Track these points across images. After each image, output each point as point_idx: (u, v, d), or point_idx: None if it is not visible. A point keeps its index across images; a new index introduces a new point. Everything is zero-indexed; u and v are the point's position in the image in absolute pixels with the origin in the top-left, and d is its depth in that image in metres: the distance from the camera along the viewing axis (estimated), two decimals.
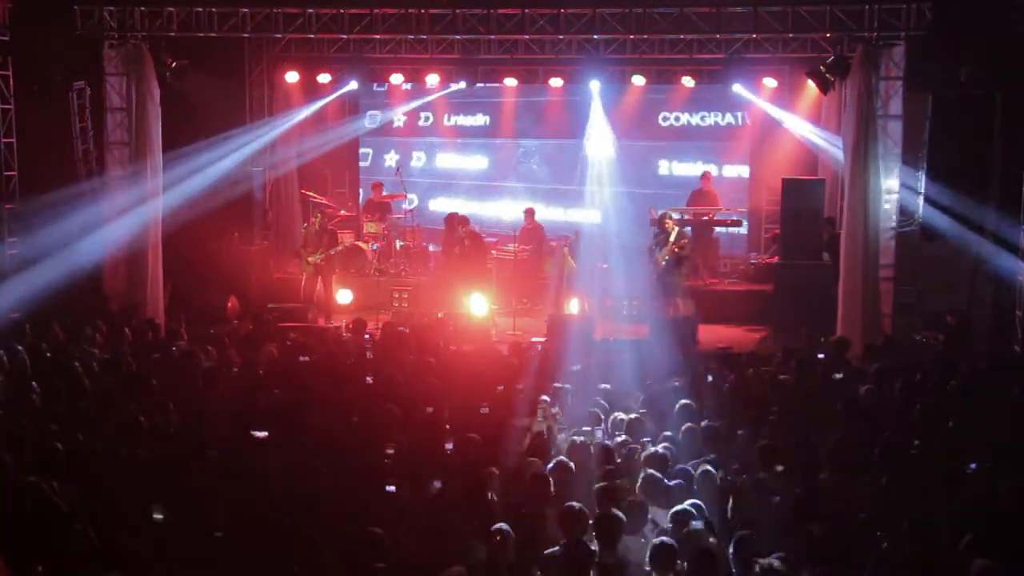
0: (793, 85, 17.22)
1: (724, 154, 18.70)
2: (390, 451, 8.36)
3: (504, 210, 19.31)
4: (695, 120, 18.84)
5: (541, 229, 17.57)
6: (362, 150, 20.24)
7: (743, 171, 18.66)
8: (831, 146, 15.90)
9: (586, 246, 16.43)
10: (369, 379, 10.57)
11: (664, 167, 19.05)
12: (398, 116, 19.92)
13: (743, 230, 18.33)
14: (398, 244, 17.82)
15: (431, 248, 18.40)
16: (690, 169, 18.60)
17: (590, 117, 18.57)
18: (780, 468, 7.94)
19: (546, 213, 18.43)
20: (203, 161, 15.38)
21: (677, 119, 18.88)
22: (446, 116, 19.87)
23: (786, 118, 17.36)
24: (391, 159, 19.52)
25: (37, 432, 8.24)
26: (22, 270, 14.04)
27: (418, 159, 20.21)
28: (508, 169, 19.84)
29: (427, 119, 20.01)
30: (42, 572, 6.02)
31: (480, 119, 19.86)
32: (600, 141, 18.56)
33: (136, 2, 14.14)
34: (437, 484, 7.54)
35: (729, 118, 18.68)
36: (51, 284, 13.06)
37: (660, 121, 18.89)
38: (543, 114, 19.26)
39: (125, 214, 14.05)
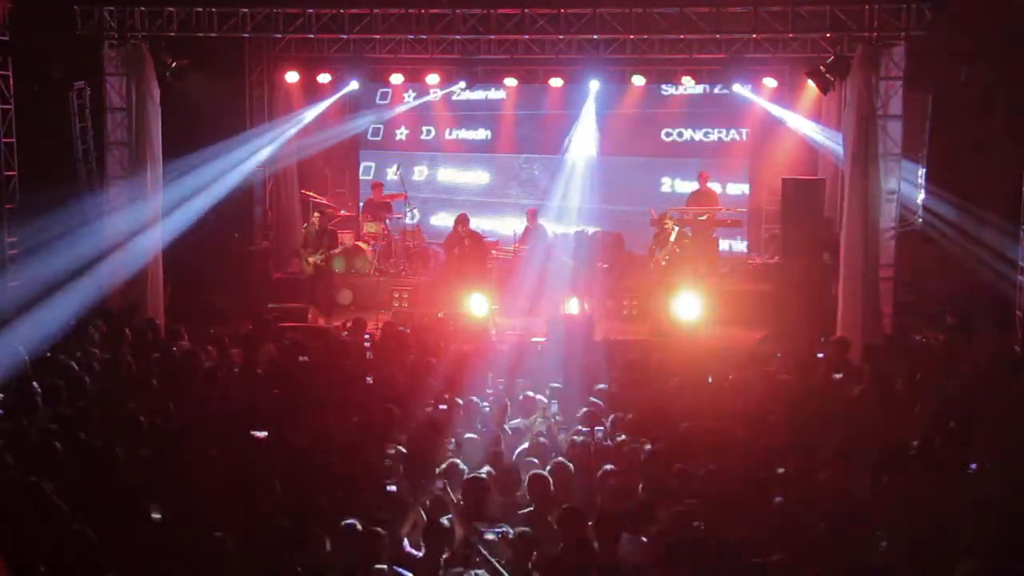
0: (793, 85, 17.22)
1: (726, 171, 18.65)
2: (390, 451, 8.36)
3: (506, 225, 19.08)
4: (698, 136, 18.84)
5: (543, 230, 17.54)
6: (364, 163, 20.14)
7: (745, 189, 18.69)
8: (832, 143, 15.88)
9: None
10: (369, 379, 10.56)
11: (667, 184, 19.01)
12: (401, 131, 19.89)
13: (743, 239, 18.35)
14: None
15: (432, 248, 18.45)
16: (693, 188, 18.30)
17: (577, 122, 18.61)
18: (781, 470, 7.93)
19: (549, 226, 18.32)
20: (209, 176, 15.33)
21: (680, 135, 18.87)
22: (448, 130, 19.84)
23: (787, 116, 17.35)
24: (393, 173, 19.36)
25: (37, 432, 8.25)
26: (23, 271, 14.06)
27: (420, 173, 20.11)
28: (510, 178, 19.81)
29: (429, 132, 19.96)
30: (42, 572, 6.02)
31: (482, 133, 19.83)
32: (581, 151, 18.65)
33: (136, 2, 14.13)
34: (439, 484, 7.54)
35: (734, 134, 18.67)
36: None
37: (663, 137, 18.88)
38: (545, 128, 19.24)
39: (125, 214, 14.05)
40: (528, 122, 19.31)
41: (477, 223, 18.38)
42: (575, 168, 18.68)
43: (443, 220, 19.49)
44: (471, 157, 19.99)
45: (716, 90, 18.12)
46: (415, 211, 18.69)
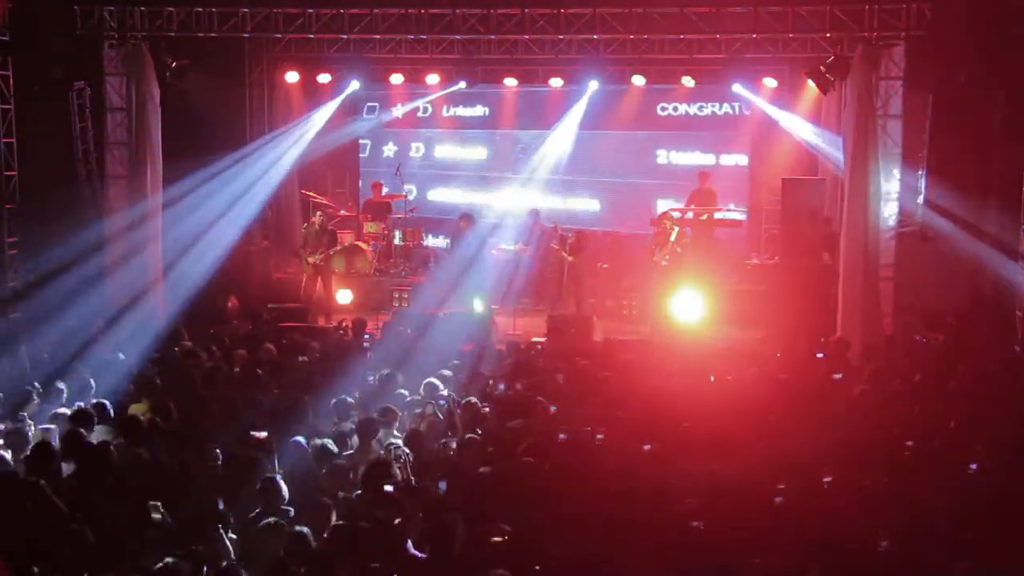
0: (793, 85, 17.18)
1: (723, 143, 18.51)
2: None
3: (502, 201, 19.18)
4: (693, 110, 18.74)
5: (545, 229, 17.50)
6: (361, 141, 20.27)
7: (741, 160, 18.50)
8: (831, 147, 15.86)
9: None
10: (371, 379, 10.56)
11: (663, 156, 18.94)
12: (397, 109, 19.92)
13: (743, 229, 18.29)
14: (397, 235, 17.69)
15: (430, 245, 18.44)
16: (689, 159, 18.43)
17: (570, 110, 18.61)
18: (782, 486, 7.89)
19: (544, 202, 18.35)
20: (240, 187, 15.50)
21: (676, 109, 18.80)
22: (445, 107, 19.83)
23: (786, 119, 17.31)
24: (389, 150, 19.57)
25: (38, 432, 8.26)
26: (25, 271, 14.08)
27: (416, 150, 20.21)
28: (506, 162, 19.80)
29: (426, 110, 19.96)
30: (40, 572, 6.02)
31: (479, 110, 19.84)
32: (564, 135, 18.69)
33: (136, 2, 14.17)
34: (442, 485, 7.54)
35: (727, 107, 18.56)
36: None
37: (658, 111, 18.80)
38: (543, 106, 19.21)
39: (125, 214, 14.05)
40: (527, 98, 19.20)
41: (474, 199, 18.67)
42: (570, 143, 18.68)
43: (441, 195, 19.73)
44: (468, 134, 20.00)
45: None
46: (411, 187, 18.85)
